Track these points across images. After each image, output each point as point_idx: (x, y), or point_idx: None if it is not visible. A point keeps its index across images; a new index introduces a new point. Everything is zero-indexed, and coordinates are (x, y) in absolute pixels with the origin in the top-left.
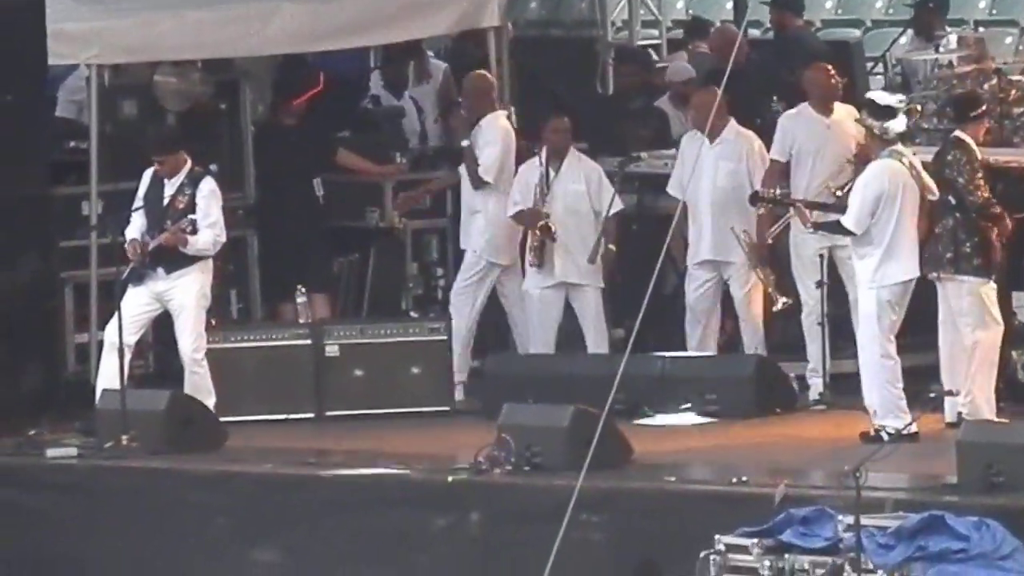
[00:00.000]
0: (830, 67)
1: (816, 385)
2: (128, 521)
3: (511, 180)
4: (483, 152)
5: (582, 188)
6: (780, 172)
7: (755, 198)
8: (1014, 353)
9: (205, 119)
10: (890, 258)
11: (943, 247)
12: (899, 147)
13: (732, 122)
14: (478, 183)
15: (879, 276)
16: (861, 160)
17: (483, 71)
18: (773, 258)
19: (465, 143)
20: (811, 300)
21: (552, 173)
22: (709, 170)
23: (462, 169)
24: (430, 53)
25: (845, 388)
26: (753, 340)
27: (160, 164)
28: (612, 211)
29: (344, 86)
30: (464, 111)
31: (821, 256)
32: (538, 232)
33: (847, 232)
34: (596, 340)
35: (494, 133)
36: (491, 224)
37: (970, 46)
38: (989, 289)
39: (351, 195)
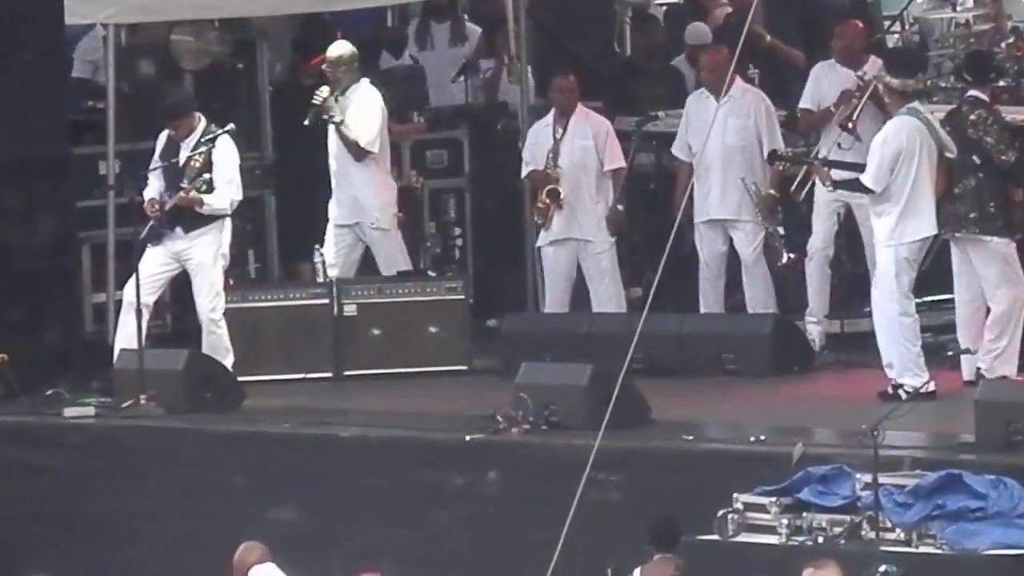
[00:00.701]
0: (859, 23)
1: (813, 332)
2: (146, 480)
3: (387, 145)
4: (359, 123)
5: (590, 144)
6: (810, 122)
7: (774, 156)
8: None
9: (222, 78)
10: (909, 215)
11: (966, 207)
12: (917, 104)
13: (739, 80)
14: (361, 154)
15: (897, 234)
16: (863, 92)
17: (344, 40)
18: (785, 212)
19: (338, 118)
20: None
21: (560, 131)
22: (718, 127)
23: (336, 144)
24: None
25: (863, 346)
26: (761, 299)
27: (174, 129)
28: (608, 167)
29: (361, 45)
30: (330, 85)
31: (839, 214)
32: (546, 197)
33: (866, 190)
34: (605, 297)
35: (367, 103)
36: (379, 191)
37: (986, 5)
38: (1012, 248)
39: None
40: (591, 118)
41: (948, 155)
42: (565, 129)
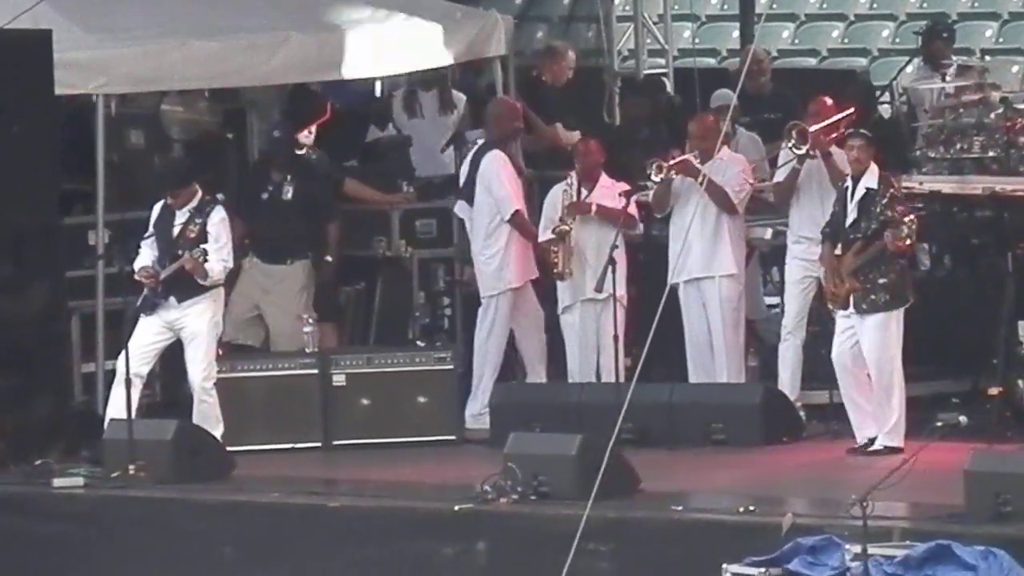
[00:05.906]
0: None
1: None
2: (135, 551)
3: None
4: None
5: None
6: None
7: None
8: (1020, 382)
9: (212, 148)
10: None
11: None
12: None
13: (726, 148)
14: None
15: None
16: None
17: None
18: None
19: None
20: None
21: (584, 193)
22: (699, 190)
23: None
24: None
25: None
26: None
27: (173, 197)
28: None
29: (351, 116)
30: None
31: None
32: (556, 237)
33: None
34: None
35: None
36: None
37: (973, 76)
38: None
39: (358, 224)
40: (615, 185)
41: None
42: (590, 191)
